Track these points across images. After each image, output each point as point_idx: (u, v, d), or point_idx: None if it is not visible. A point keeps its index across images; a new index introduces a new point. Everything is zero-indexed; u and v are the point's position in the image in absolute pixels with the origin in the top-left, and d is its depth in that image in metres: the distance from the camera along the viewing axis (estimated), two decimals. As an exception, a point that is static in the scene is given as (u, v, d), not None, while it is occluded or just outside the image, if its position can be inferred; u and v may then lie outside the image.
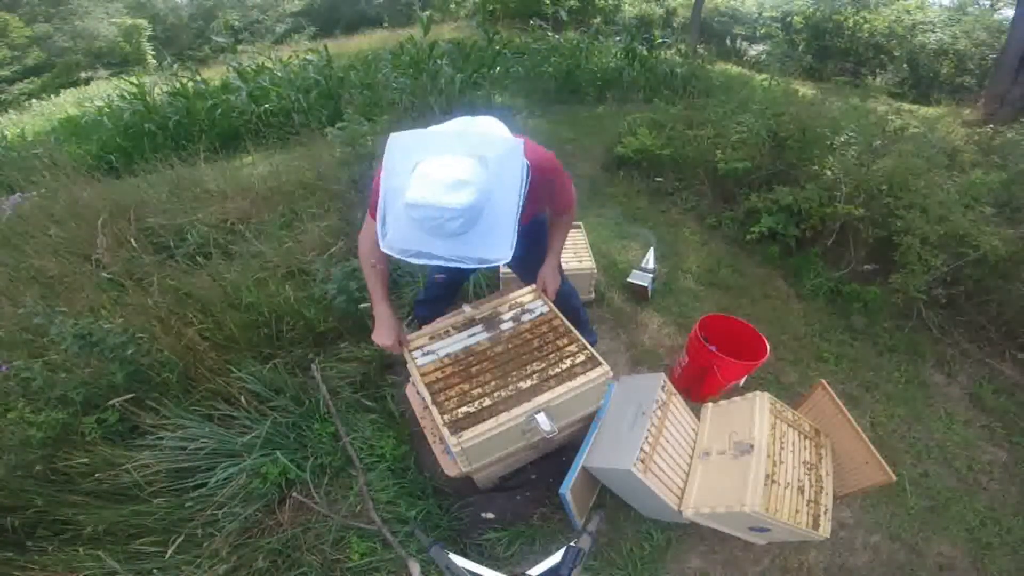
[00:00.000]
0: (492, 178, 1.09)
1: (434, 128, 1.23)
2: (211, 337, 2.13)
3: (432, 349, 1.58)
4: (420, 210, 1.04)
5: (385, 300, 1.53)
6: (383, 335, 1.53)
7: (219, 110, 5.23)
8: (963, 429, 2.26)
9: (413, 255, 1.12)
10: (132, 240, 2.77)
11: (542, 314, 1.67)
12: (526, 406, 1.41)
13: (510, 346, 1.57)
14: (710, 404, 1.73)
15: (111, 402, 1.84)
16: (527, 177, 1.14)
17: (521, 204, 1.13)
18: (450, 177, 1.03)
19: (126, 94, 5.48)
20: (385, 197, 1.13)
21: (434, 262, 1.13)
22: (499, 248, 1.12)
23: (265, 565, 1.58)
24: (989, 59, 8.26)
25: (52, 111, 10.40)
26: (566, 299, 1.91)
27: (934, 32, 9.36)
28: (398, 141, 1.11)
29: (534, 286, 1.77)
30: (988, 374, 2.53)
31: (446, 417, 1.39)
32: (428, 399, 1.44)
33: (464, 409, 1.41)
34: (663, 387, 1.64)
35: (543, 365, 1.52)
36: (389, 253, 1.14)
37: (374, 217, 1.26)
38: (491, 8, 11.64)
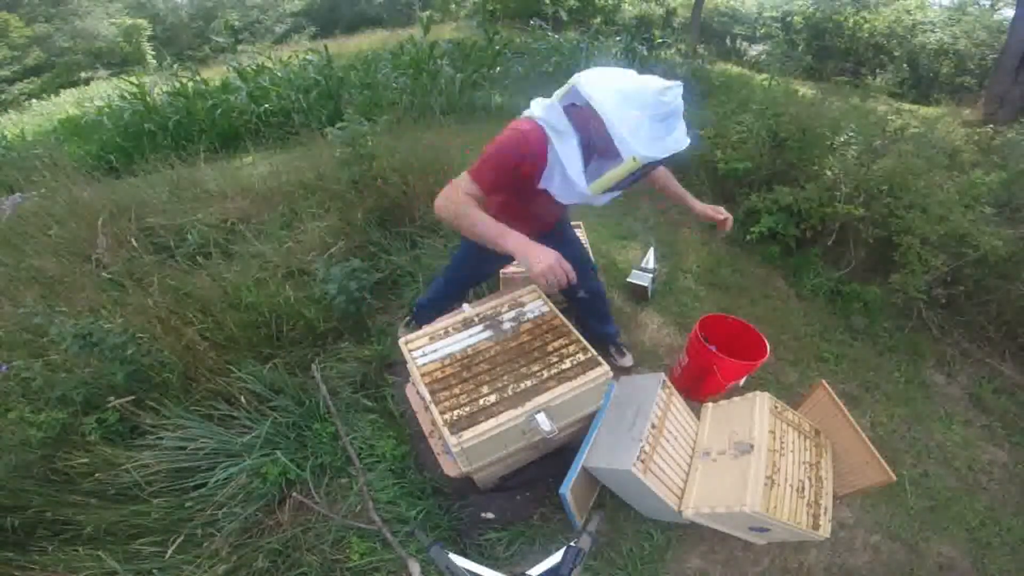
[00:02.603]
0: None
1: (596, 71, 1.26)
2: (211, 337, 2.13)
3: (432, 349, 1.58)
4: (672, 92, 1.12)
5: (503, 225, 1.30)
6: (541, 254, 1.19)
7: (219, 110, 5.23)
8: (963, 429, 2.26)
9: (666, 150, 1.16)
10: (132, 240, 2.77)
11: (542, 314, 1.67)
12: (526, 406, 1.41)
13: (510, 346, 1.57)
14: (710, 404, 1.73)
15: (111, 403, 1.84)
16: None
17: None
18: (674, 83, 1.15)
19: (126, 94, 5.48)
20: (611, 117, 1.14)
21: (678, 148, 1.18)
22: (684, 134, 1.21)
23: (265, 565, 1.58)
24: (989, 59, 8.27)
25: (52, 111, 10.41)
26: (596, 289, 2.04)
27: (934, 32, 9.37)
28: (588, 78, 1.21)
29: (533, 286, 1.77)
30: (988, 374, 2.53)
31: (446, 417, 1.39)
32: (428, 399, 1.44)
33: (464, 409, 1.41)
34: (663, 387, 1.64)
35: (543, 365, 1.52)
36: (647, 161, 1.16)
37: (484, 180, 1.29)
38: (491, 8, 11.65)
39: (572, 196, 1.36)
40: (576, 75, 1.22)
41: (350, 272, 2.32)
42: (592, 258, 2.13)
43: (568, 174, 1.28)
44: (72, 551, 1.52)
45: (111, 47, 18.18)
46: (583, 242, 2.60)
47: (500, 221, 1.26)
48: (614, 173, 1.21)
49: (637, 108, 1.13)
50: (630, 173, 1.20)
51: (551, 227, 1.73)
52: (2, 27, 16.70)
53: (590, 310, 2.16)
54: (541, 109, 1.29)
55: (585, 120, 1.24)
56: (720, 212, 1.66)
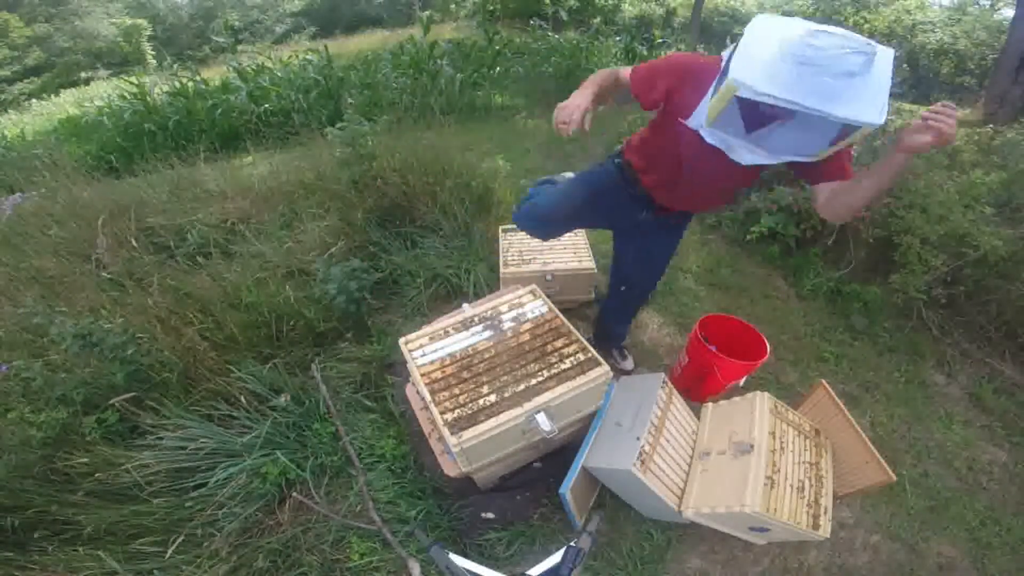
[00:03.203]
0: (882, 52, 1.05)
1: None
2: (211, 337, 2.13)
3: (432, 349, 1.58)
4: (825, 38, 0.99)
5: (592, 89, 1.39)
6: (572, 98, 1.34)
7: (219, 110, 5.24)
8: (963, 429, 2.26)
9: (789, 93, 1.00)
10: (132, 240, 2.77)
11: (542, 314, 1.67)
12: (526, 406, 1.41)
13: (510, 346, 1.57)
14: (710, 404, 1.73)
15: (111, 401, 1.84)
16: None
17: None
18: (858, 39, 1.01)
19: (126, 94, 5.49)
20: (747, 43, 1.07)
21: (791, 105, 1.00)
22: (873, 110, 1.00)
23: (265, 565, 1.58)
24: (989, 59, 8.27)
25: (52, 111, 10.41)
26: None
27: (934, 32, 9.36)
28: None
29: (533, 286, 1.77)
30: (988, 374, 2.53)
31: (446, 417, 1.39)
32: (428, 399, 1.44)
33: (464, 409, 1.41)
34: (663, 387, 1.64)
35: (543, 365, 1.52)
36: (741, 93, 1.04)
37: (637, 72, 1.35)
38: (491, 8, 11.65)
39: (695, 122, 1.28)
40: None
41: (350, 272, 2.32)
42: (664, 268, 1.99)
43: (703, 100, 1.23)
44: (72, 551, 1.52)
45: (111, 47, 18.19)
46: (583, 243, 2.60)
47: (635, 155, 1.48)
48: (714, 100, 1.13)
49: (776, 43, 1.03)
50: (727, 104, 1.10)
51: (668, 212, 1.64)
52: (2, 27, 16.70)
53: (619, 305, 2.13)
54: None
55: None
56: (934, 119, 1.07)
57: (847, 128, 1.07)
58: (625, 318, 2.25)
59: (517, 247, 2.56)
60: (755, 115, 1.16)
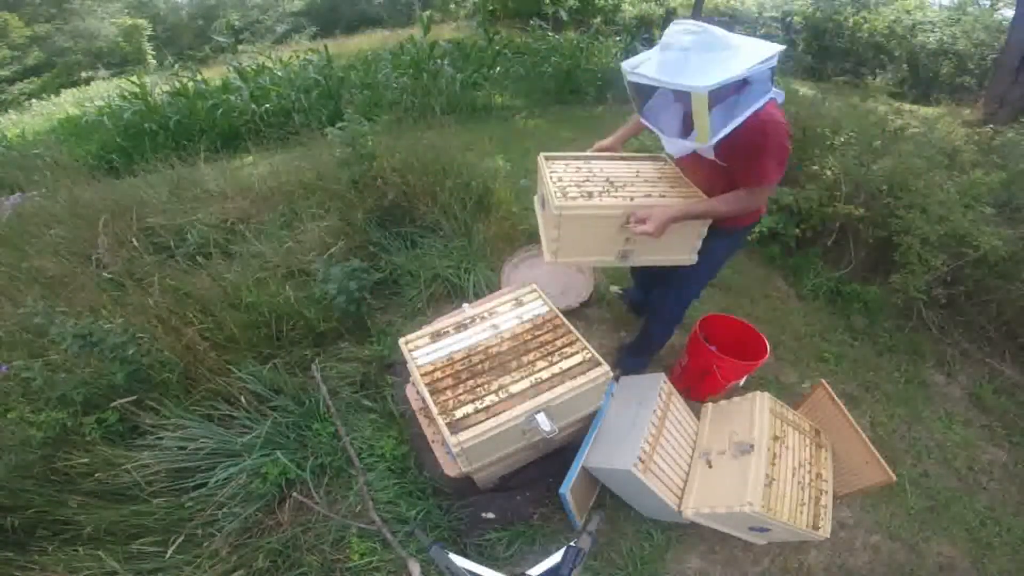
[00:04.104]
0: (735, 38, 1.26)
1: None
2: (211, 337, 2.13)
3: (432, 349, 1.58)
4: (675, 25, 1.23)
5: (622, 130, 1.85)
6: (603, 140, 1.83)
7: (219, 110, 5.23)
8: (963, 429, 2.26)
9: (632, 67, 1.31)
10: (133, 240, 2.76)
11: (542, 314, 1.67)
12: (526, 406, 1.41)
13: (510, 346, 1.57)
14: (710, 404, 1.73)
15: (112, 404, 1.84)
16: (765, 91, 1.28)
17: (744, 95, 1.26)
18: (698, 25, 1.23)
19: (127, 94, 5.49)
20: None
21: (644, 80, 1.27)
22: (702, 78, 1.17)
23: (265, 565, 1.58)
24: (989, 59, 8.25)
25: (52, 111, 10.40)
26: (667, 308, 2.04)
27: (934, 32, 9.35)
28: None
29: (533, 285, 1.77)
30: (988, 374, 2.53)
31: (446, 417, 1.39)
32: (428, 399, 1.44)
33: (464, 409, 1.41)
34: (663, 387, 1.64)
35: (543, 365, 1.51)
36: (628, 78, 1.33)
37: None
38: (491, 8, 11.64)
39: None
40: None
41: (350, 272, 2.32)
42: (699, 292, 2.05)
43: None
44: (72, 551, 1.52)
45: (111, 47, 18.18)
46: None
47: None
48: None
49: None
50: (630, 91, 1.40)
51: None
52: (2, 27, 16.70)
53: (652, 302, 2.25)
54: None
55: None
56: (638, 216, 1.48)
57: (680, 95, 1.28)
58: (654, 320, 2.16)
59: (573, 176, 1.68)
60: (662, 102, 1.43)
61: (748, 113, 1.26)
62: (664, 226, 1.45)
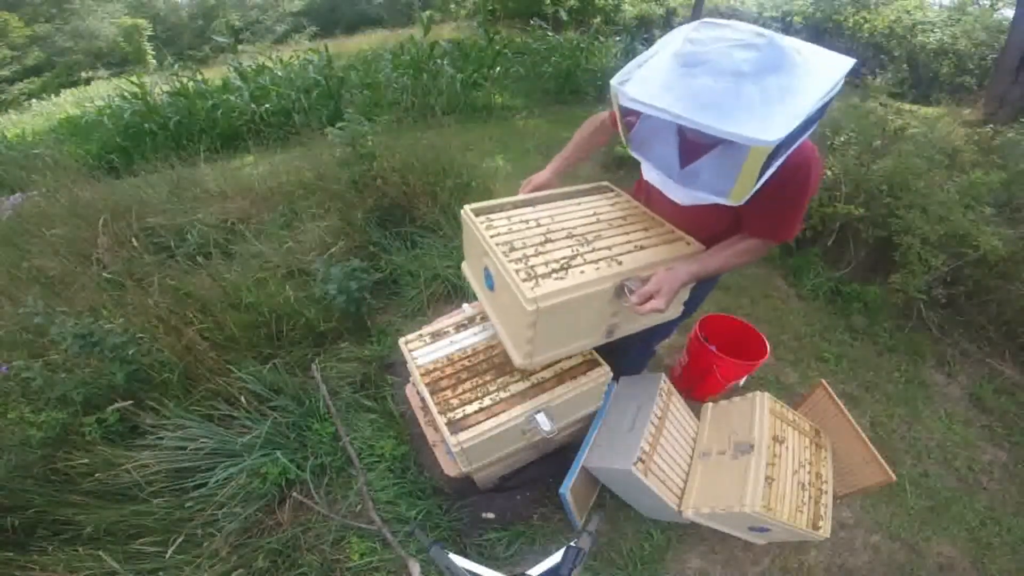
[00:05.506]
0: (798, 53, 0.88)
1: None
2: (211, 337, 2.13)
3: (432, 349, 1.58)
4: (707, 29, 0.85)
5: (559, 160, 1.51)
6: (537, 173, 1.51)
7: (219, 110, 5.23)
8: (963, 429, 2.26)
9: (646, 107, 0.87)
10: (133, 240, 2.77)
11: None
12: (526, 406, 1.41)
13: (510, 346, 1.56)
14: (710, 404, 1.73)
15: (112, 407, 1.84)
16: (817, 120, 0.91)
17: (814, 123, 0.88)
18: (748, 30, 0.85)
19: (127, 94, 5.48)
20: (644, 57, 0.95)
21: (666, 116, 0.84)
22: (765, 122, 0.79)
23: (265, 565, 1.58)
24: (989, 59, 8.25)
25: (52, 111, 10.39)
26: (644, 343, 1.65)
27: (934, 32, 9.35)
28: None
29: None
30: (988, 374, 2.53)
31: (446, 417, 1.39)
32: (428, 399, 1.44)
33: (464, 409, 1.41)
34: (663, 387, 1.64)
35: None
36: (620, 101, 0.93)
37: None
38: (491, 8, 11.64)
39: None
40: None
41: (350, 272, 2.32)
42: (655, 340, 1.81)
43: None
44: (72, 551, 1.52)
45: (111, 47, 18.17)
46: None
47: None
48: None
49: (671, 47, 0.92)
50: (619, 115, 1.04)
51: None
52: (2, 27, 16.70)
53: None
54: None
55: None
56: (646, 287, 1.14)
57: (736, 147, 0.88)
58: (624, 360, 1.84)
59: (526, 235, 1.32)
60: (688, 147, 1.04)
61: (790, 152, 0.92)
62: (674, 297, 1.13)
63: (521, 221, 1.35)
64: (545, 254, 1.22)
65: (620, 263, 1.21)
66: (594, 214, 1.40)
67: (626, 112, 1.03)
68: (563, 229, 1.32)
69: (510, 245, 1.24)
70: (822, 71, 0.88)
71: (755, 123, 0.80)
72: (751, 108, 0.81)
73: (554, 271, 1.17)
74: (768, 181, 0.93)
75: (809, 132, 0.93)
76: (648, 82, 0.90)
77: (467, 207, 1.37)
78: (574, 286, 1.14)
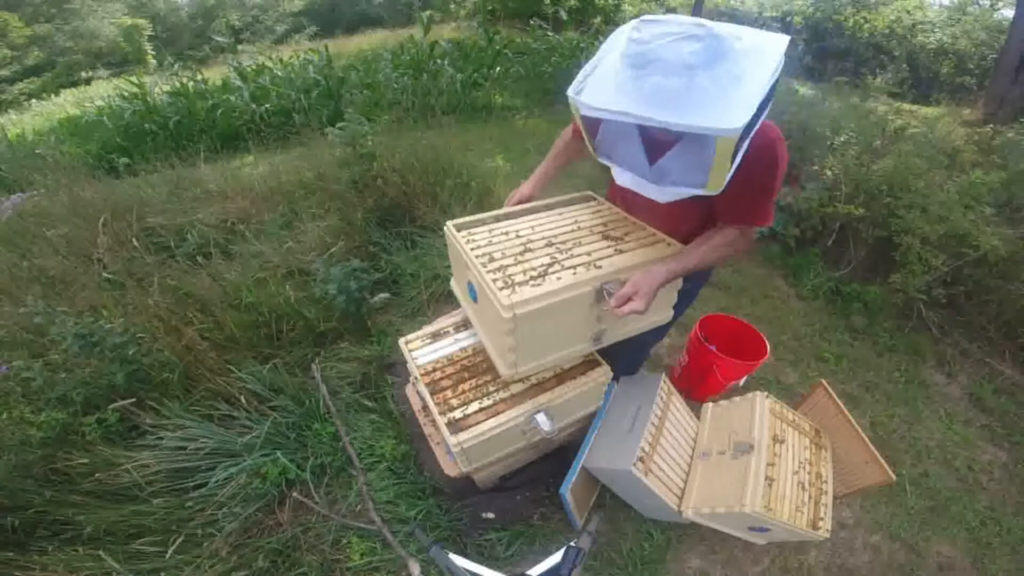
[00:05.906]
0: (739, 39, 0.89)
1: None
2: (211, 337, 2.13)
3: (432, 349, 1.58)
4: (648, 27, 0.85)
5: (539, 174, 1.52)
6: (520, 187, 1.51)
7: (220, 110, 5.23)
8: (963, 429, 2.26)
9: (605, 113, 0.88)
10: (133, 240, 2.77)
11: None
12: (526, 406, 1.41)
13: (510, 346, 1.56)
14: (710, 404, 1.73)
15: (113, 406, 1.84)
16: (771, 98, 0.91)
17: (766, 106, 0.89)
18: (688, 22, 0.85)
19: (127, 94, 5.49)
20: (593, 64, 0.96)
21: (628, 119, 0.86)
22: (726, 111, 0.80)
23: (265, 565, 1.58)
24: (989, 59, 8.26)
25: (52, 111, 10.39)
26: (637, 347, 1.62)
27: (934, 32, 9.36)
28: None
29: None
30: (988, 374, 2.53)
31: (446, 417, 1.39)
32: (428, 399, 1.44)
33: (464, 409, 1.41)
34: (663, 387, 1.64)
35: (543, 365, 1.51)
36: (580, 111, 0.94)
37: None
38: (491, 8, 11.64)
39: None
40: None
41: (350, 272, 2.32)
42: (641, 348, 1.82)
43: None
44: (72, 551, 1.52)
45: (111, 47, 18.16)
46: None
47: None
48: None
49: (617, 49, 0.92)
50: (586, 128, 1.08)
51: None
52: (2, 27, 16.70)
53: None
54: None
55: None
56: (623, 291, 1.13)
57: (701, 136, 0.89)
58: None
59: (505, 246, 1.33)
60: (652, 144, 1.07)
61: (753, 133, 0.94)
62: (653, 298, 1.13)
63: (502, 233, 1.36)
64: (524, 263, 1.23)
65: (599, 267, 1.21)
66: (575, 222, 1.41)
67: (588, 121, 1.06)
68: (543, 239, 1.33)
69: (489, 256, 1.25)
70: (764, 53, 0.89)
71: (716, 113, 0.81)
72: (708, 98, 0.82)
73: (532, 278, 1.17)
74: (740, 167, 0.95)
75: (765, 113, 0.95)
76: (602, 88, 0.91)
77: (449, 223, 1.39)
78: (551, 291, 1.14)
